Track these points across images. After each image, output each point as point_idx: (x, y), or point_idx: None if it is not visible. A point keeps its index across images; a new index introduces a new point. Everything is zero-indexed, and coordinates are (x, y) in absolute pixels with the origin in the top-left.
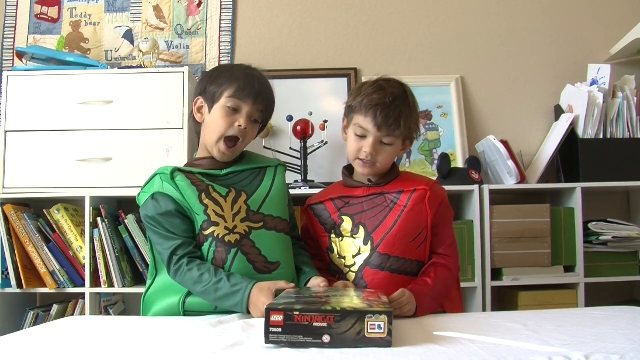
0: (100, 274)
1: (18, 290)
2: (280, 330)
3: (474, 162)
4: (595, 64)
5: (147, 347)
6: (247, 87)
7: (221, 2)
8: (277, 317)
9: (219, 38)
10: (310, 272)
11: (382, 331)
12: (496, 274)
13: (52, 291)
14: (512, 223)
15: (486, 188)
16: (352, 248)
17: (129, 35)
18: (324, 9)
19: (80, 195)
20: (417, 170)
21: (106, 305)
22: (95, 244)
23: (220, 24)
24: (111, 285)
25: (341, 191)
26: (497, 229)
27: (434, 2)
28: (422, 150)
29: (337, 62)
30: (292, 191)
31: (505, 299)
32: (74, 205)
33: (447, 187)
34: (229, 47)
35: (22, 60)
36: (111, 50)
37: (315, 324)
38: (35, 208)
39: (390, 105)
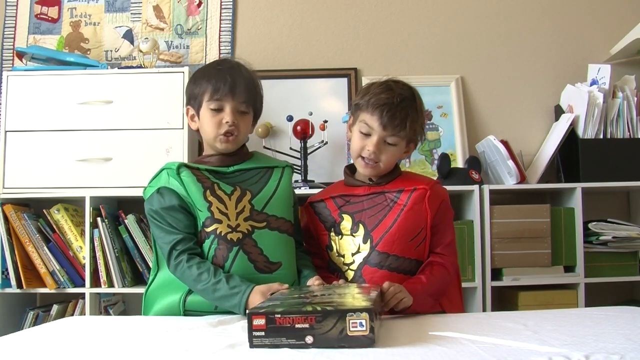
0: (100, 274)
1: (18, 290)
2: (263, 334)
3: (474, 162)
4: (595, 64)
5: (147, 347)
6: (221, 84)
7: (221, 2)
8: (259, 321)
9: (219, 38)
10: (310, 275)
11: (363, 329)
12: (496, 274)
13: (52, 291)
14: (512, 223)
15: (486, 188)
16: (352, 246)
17: (129, 35)
18: (324, 9)
19: (80, 195)
20: (417, 170)
21: (106, 305)
22: (95, 244)
23: (220, 24)
24: (111, 285)
25: (342, 190)
26: (497, 229)
27: (434, 2)
28: (422, 150)
29: (337, 62)
30: None
31: (505, 299)
32: (74, 205)
33: (447, 187)
34: (229, 47)
35: (22, 60)
36: (111, 50)
37: (297, 326)
38: (35, 208)
39: (398, 106)
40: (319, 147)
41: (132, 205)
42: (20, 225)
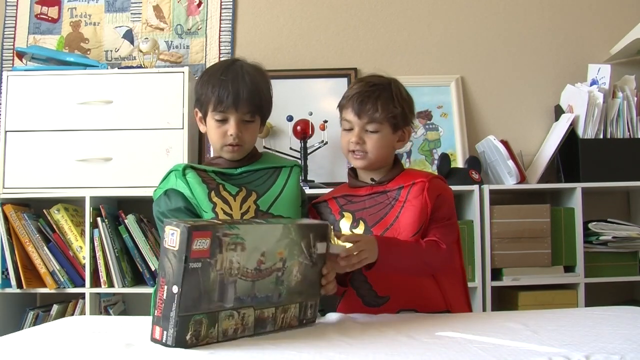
0: (100, 274)
1: (18, 290)
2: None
3: (474, 162)
4: (595, 64)
5: (147, 347)
6: (225, 96)
7: (221, 2)
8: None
9: (219, 38)
10: None
11: (174, 244)
12: (496, 274)
13: (52, 291)
14: (512, 223)
15: (486, 188)
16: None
17: (129, 35)
18: (324, 9)
19: (80, 195)
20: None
21: (106, 305)
22: (95, 244)
23: (220, 24)
24: (111, 285)
25: (345, 191)
26: (497, 229)
27: (433, 2)
28: (422, 150)
29: (337, 62)
30: None
31: (505, 299)
32: (74, 205)
33: None
34: (229, 47)
35: (22, 60)
36: (111, 50)
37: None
38: (35, 208)
39: (367, 92)
40: (319, 147)
41: (132, 205)
42: (20, 225)
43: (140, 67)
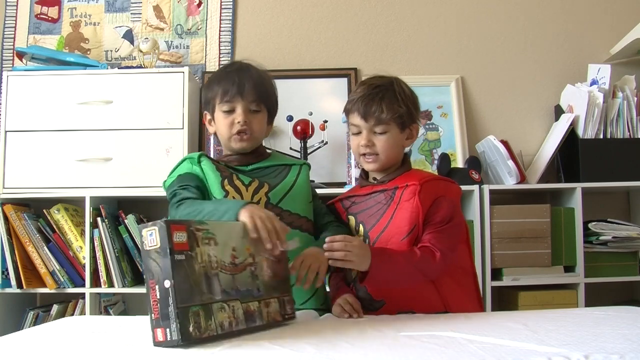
0: (100, 274)
1: (18, 290)
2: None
3: (474, 162)
4: (595, 64)
5: (147, 347)
6: (229, 86)
7: (221, 2)
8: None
9: (219, 38)
10: (327, 235)
11: (154, 242)
12: (496, 274)
13: (52, 291)
14: (512, 223)
15: (486, 188)
16: None
17: (129, 35)
18: (324, 9)
19: (80, 195)
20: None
21: (106, 305)
22: (95, 244)
23: (220, 24)
24: (111, 285)
25: (352, 192)
26: (497, 229)
27: (433, 2)
28: (422, 150)
29: (337, 62)
30: None
31: (505, 299)
32: (74, 205)
33: None
34: (229, 47)
35: (22, 60)
36: (111, 50)
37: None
38: (35, 208)
39: (371, 94)
40: (319, 147)
41: (132, 205)
42: (20, 225)
43: (140, 67)
